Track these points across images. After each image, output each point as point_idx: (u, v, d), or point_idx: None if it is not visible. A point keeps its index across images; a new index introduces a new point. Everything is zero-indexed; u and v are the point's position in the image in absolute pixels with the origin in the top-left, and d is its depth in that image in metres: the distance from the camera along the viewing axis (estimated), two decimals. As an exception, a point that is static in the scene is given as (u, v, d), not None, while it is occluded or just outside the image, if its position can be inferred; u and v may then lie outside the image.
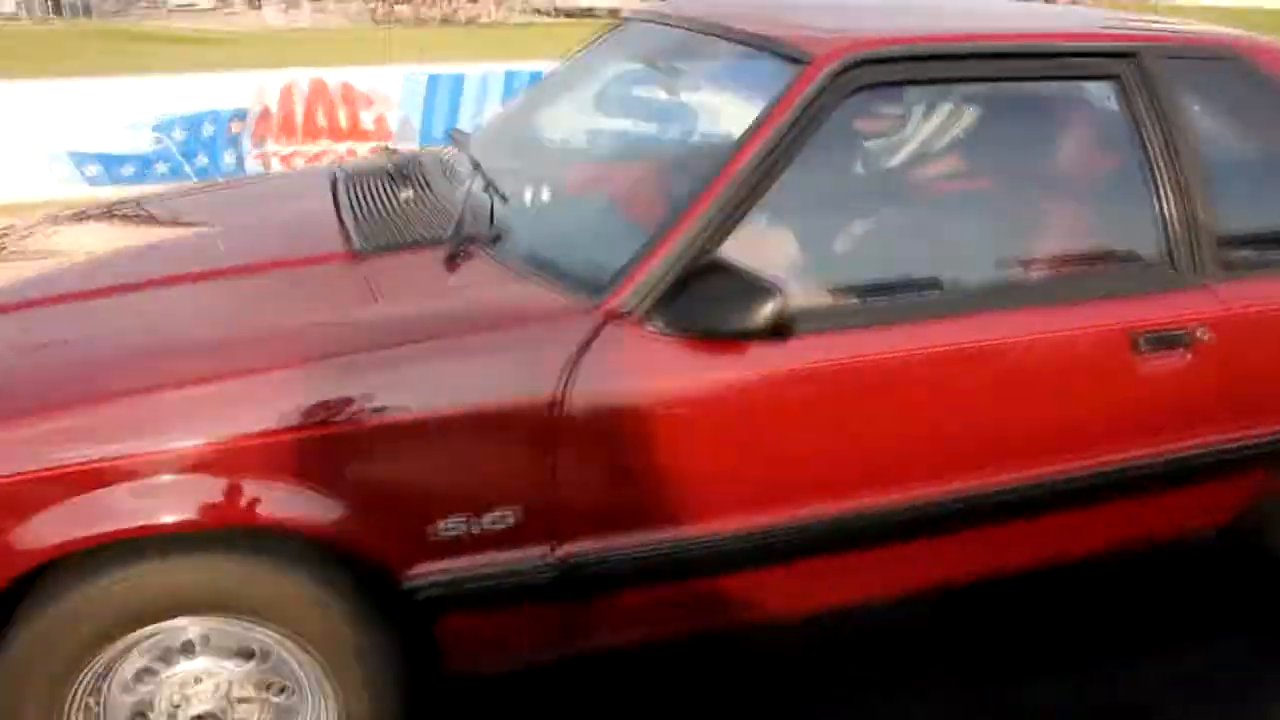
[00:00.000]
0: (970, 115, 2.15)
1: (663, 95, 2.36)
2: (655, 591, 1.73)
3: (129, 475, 1.41)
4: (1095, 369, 1.88)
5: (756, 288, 1.58)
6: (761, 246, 1.74)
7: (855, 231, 1.96)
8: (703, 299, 1.58)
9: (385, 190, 2.13)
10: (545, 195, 1.99)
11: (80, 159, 5.86)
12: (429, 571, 1.56)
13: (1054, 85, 2.10)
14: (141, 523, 1.42)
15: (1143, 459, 1.94)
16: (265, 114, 6.16)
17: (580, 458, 1.58)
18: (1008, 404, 1.84)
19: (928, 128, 2.17)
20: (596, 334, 1.57)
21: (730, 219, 1.66)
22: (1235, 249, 1.99)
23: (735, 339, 1.60)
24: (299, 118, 6.20)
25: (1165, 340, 1.90)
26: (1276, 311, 1.99)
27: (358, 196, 2.12)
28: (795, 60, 1.77)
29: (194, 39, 14.32)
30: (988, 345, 1.79)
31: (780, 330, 1.61)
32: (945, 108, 2.14)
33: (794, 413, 1.70)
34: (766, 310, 1.57)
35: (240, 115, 6.14)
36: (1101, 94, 2.05)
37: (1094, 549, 2.09)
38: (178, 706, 1.54)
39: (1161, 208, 1.94)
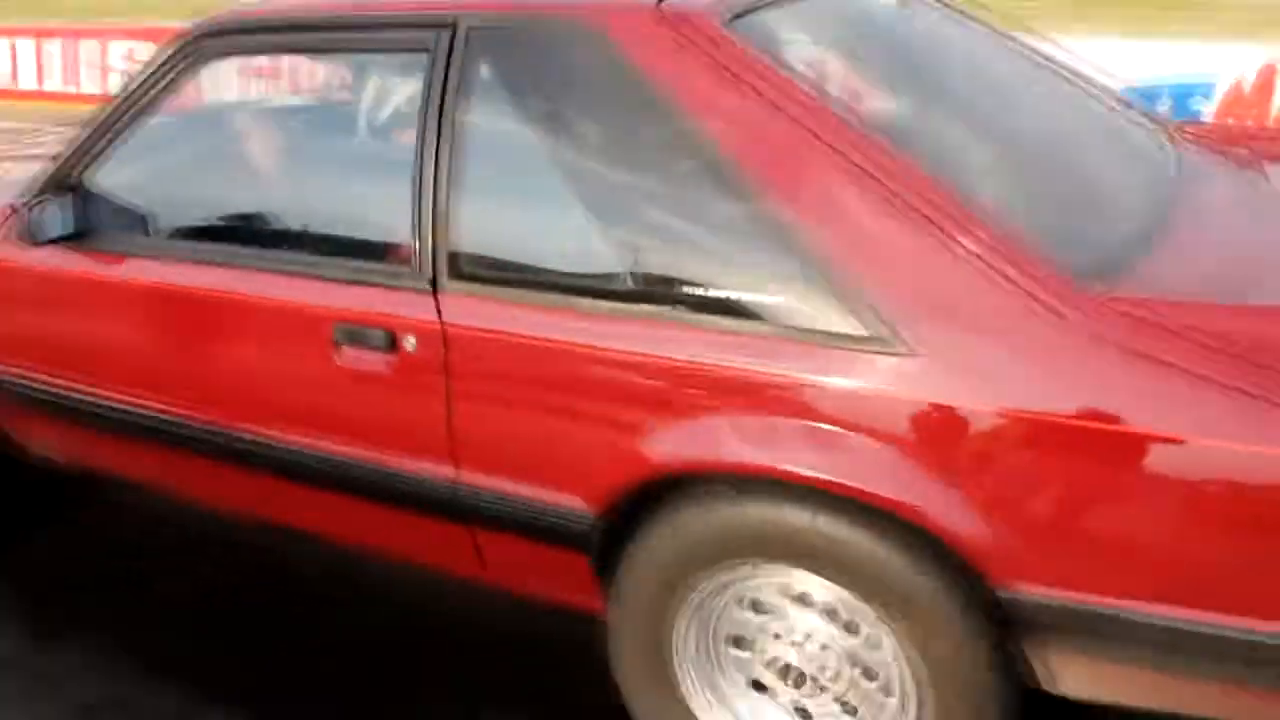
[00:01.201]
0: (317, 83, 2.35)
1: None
2: (76, 435, 2.29)
3: None
4: (297, 348, 1.87)
5: (36, 210, 2.07)
6: (133, 177, 2.15)
7: (185, 180, 2.25)
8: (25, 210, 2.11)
9: None
10: None
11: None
12: None
13: (381, 57, 2.08)
14: None
15: (347, 458, 1.86)
16: (1236, 92, 5.47)
17: None
18: (220, 348, 2.01)
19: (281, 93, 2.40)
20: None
21: (85, 153, 2.11)
22: (480, 258, 1.72)
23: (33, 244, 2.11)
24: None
25: (359, 337, 1.77)
26: (504, 339, 1.68)
27: None
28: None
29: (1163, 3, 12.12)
30: (213, 293, 1.95)
31: (63, 240, 2.08)
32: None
33: (71, 305, 2.18)
34: (39, 228, 2.07)
35: (1206, 91, 5.43)
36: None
37: (333, 534, 2.08)
38: None
39: (415, 197, 1.74)
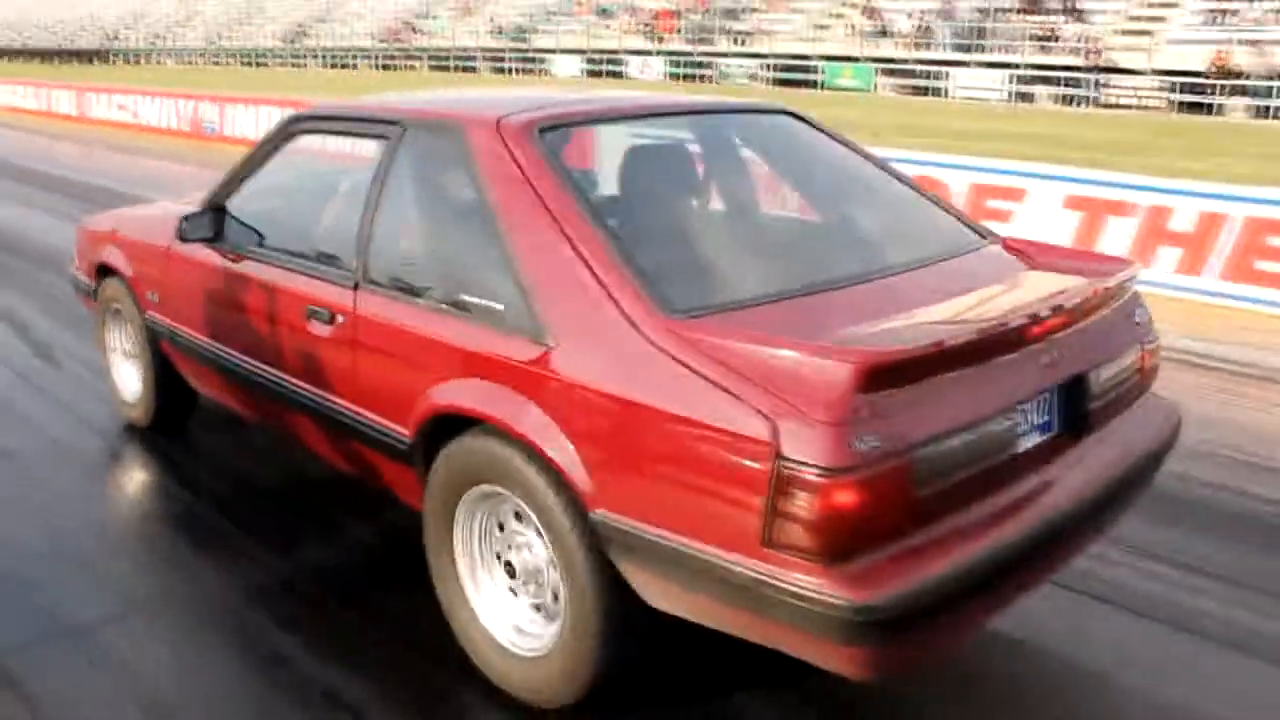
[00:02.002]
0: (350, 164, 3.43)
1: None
2: (200, 368, 3.66)
3: None
4: (291, 319, 3.00)
5: (188, 222, 3.37)
6: (245, 204, 3.42)
7: (284, 210, 3.47)
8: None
9: None
10: None
11: None
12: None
13: (378, 145, 2.94)
14: None
15: (359, 404, 2.82)
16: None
17: (171, 280, 3.69)
18: (286, 327, 3.08)
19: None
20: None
21: (228, 193, 3.45)
22: (379, 269, 2.75)
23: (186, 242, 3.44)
24: None
25: (317, 315, 2.89)
26: (379, 321, 2.70)
27: None
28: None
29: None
30: (285, 292, 3.05)
31: (205, 240, 3.40)
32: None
33: (213, 293, 3.44)
34: (188, 232, 3.36)
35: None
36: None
37: (323, 454, 3.17)
38: None
39: (358, 230, 2.81)
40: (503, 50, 44.15)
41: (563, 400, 2.25)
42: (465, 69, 44.17)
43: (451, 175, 2.68)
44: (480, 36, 46.00)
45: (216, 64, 54.60)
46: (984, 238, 2.97)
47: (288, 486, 3.76)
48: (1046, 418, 2.40)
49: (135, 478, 4.01)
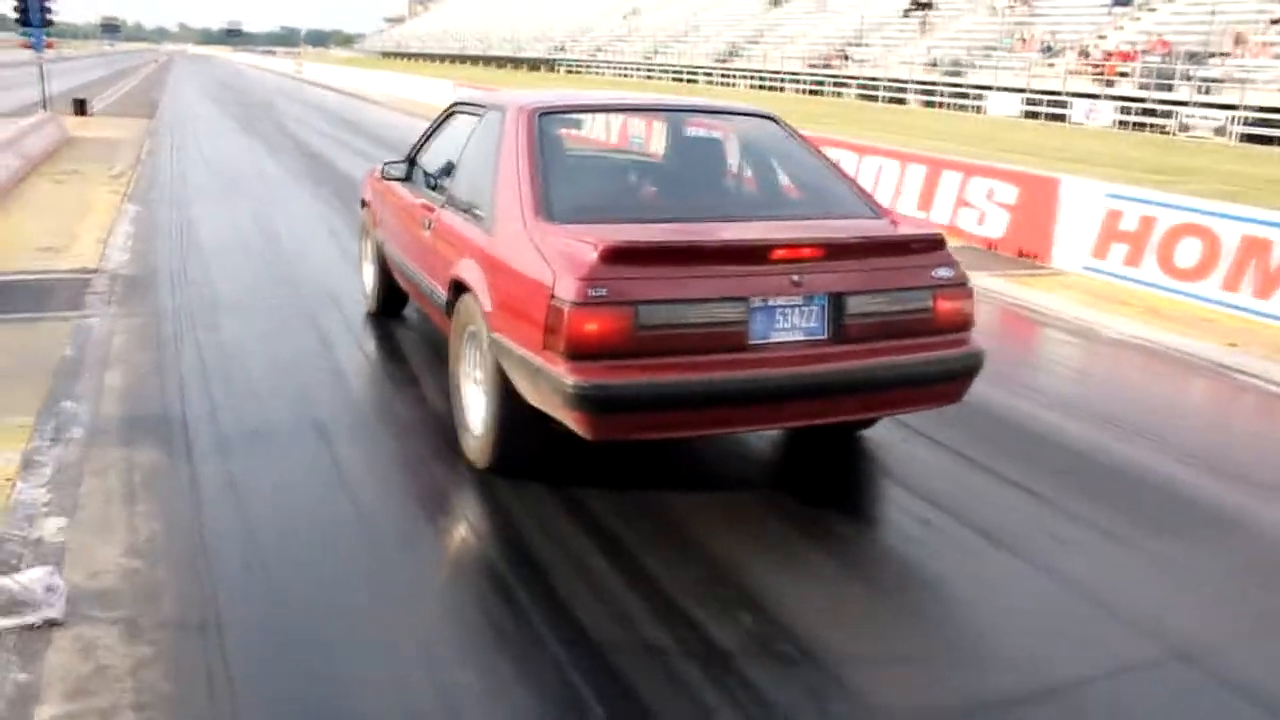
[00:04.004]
0: (466, 130, 5.44)
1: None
2: (395, 266, 6.39)
3: None
4: (418, 227, 5.46)
5: (389, 165, 6.00)
6: (425, 155, 5.88)
7: (435, 157, 5.70)
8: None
9: None
10: None
11: None
12: None
13: (476, 119, 5.31)
14: None
15: (434, 278, 5.16)
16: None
17: (383, 205, 6.54)
18: (417, 231, 5.51)
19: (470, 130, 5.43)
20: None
21: (418, 149, 6.01)
22: (454, 193, 5.13)
23: (388, 180, 5.86)
24: None
25: (425, 223, 5.32)
26: (446, 224, 5.04)
27: None
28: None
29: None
30: (419, 208, 5.54)
31: (399, 180, 5.95)
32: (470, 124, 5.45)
33: (396, 213, 6.16)
34: (388, 172, 6.01)
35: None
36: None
37: (429, 314, 5.58)
38: None
39: (453, 169, 5.29)
40: (935, 83, 45.79)
41: (489, 268, 4.37)
42: (895, 100, 46.23)
43: (493, 138, 4.87)
44: (914, 68, 47.95)
45: (649, 78, 61.07)
46: (875, 213, 4.66)
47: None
48: (814, 323, 4.09)
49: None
